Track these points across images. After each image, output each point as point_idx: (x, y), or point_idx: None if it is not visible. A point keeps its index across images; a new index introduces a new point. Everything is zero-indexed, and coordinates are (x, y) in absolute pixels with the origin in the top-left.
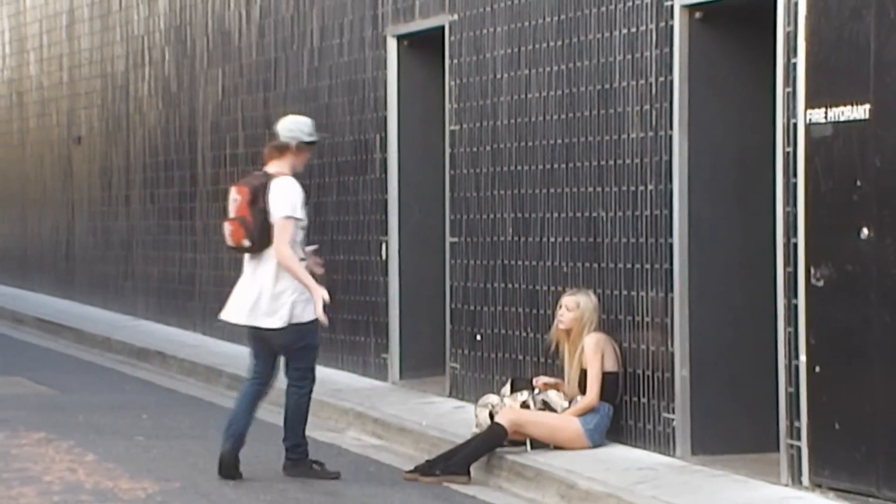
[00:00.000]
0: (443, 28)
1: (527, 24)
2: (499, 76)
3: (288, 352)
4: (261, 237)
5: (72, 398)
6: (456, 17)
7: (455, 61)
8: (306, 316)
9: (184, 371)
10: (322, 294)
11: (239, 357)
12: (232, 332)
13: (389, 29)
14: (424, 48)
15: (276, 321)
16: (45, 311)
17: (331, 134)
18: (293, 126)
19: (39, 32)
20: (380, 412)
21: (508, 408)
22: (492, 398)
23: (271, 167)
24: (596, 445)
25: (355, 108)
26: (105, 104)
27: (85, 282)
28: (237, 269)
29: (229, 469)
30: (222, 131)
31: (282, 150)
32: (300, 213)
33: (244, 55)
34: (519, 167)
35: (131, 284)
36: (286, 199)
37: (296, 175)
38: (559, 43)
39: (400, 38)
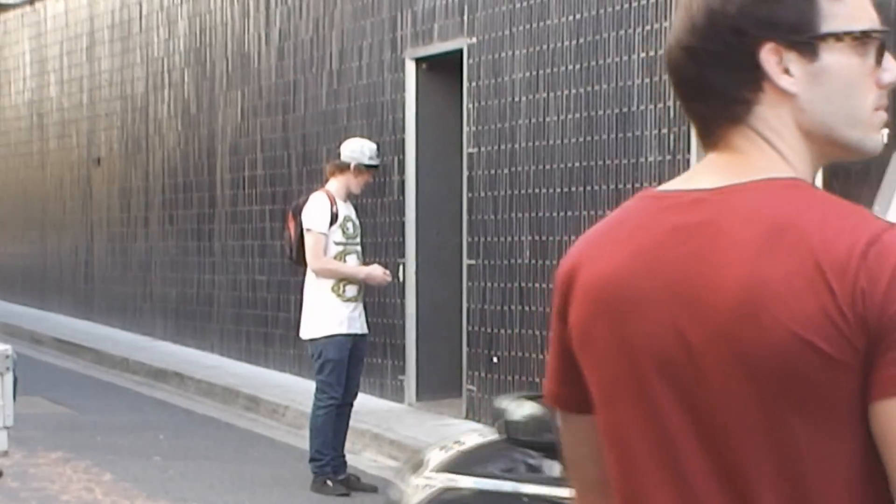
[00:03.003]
0: (461, 51)
1: (545, 47)
2: (517, 99)
3: (315, 364)
4: (297, 250)
5: (90, 418)
6: (474, 40)
7: (473, 84)
8: (320, 332)
9: (201, 392)
10: (371, 272)
11: (256, 378)
12: (249, 352)
13: (408, 52)
14: (443, 71)
15: (301, 332)
16: (64, 332)
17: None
18: (355, 147)
19: (60, 54)
20: (396, 434)
21: None
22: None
23: (330, 184)
24: None
25: (374, 130)
26: (125, 126)
27: (104, 303)
28: (254, 291)
29: (352, 484)
30: (241, 153)
31: (341, 168)
32: (321, 226)
33: (263, 77)
34: (537, 190)
35: (150, 305)
36: (307, 213)
37: (351, 195)
38: (577, 66)
39: (418, 61)
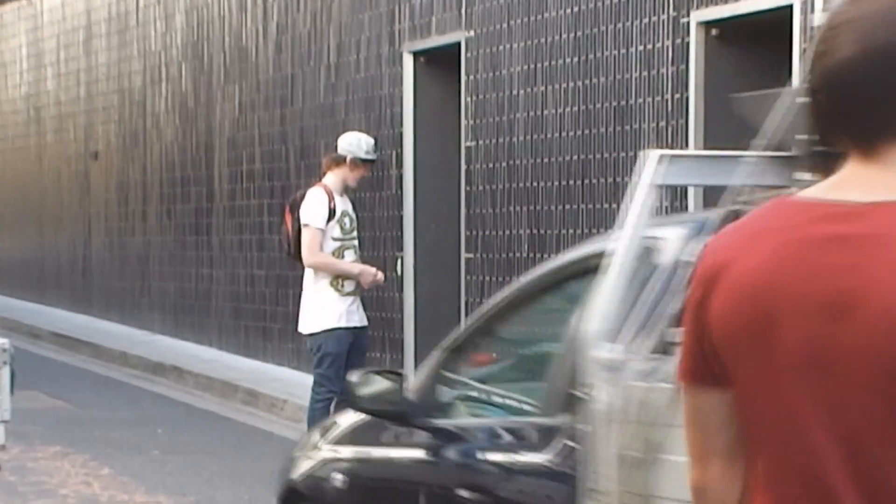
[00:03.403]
0: (459, 44)
1: (543, 40)
2: (515, 93)
3: (314, 357)
4: (294, 245)
5: (88, 413)
6: (472, 33)
7: (471, 78)
8: (319, 326)
9: (200, 386)
10: (365, 269)
11: (255, 372)
12: (248, 346)
13: (406, 45)
14: (441, 65)
15: (300, 326)
16: (62, 326)
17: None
18: (352, 141)
19: (57, 48)
20: None
21: None
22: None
23: (326, 178)
24: None
25: (371, 124)
26: (122, 120)
27: (102, 297)
28: (253, 285)
29: None
30: (239, 147)
31: (338, 162)
32: (319, 222)
33: (261, 71)
34: (535, 184)
35: (148, 300)
36: (305, 208)
37: (348, 189)
38: (575, 60)
39: (416, 55)
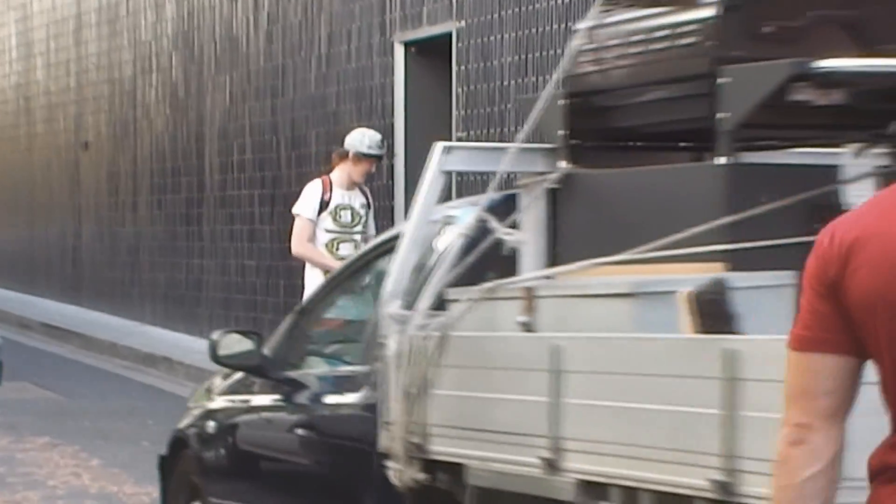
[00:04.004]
0: (450, 35)
1: (534, 31)
2: (506, 83)
3: None
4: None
5: (78, 404)
6: (463, 23)
7: (462, 68)
8: None
9: (191, 377)
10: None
11: None
12: None
13: (397, 35)
14: (432, 55)
15: None
16: (52, 317)
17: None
18: (356, 136)
19: (47, 37)
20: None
21: None
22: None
23: (334, 172)
24: None
25: (363, 114)
26: (112, 110)
27: (92, 288)
28: (244, 276)
29: None
30: (230, 137)
31: (342, 156)
32: (307, 212)
33: (252, 61)
34: None
35: (138, 290)
36: (300, 199)
37: (354, 183)
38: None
39: (407, 45)
